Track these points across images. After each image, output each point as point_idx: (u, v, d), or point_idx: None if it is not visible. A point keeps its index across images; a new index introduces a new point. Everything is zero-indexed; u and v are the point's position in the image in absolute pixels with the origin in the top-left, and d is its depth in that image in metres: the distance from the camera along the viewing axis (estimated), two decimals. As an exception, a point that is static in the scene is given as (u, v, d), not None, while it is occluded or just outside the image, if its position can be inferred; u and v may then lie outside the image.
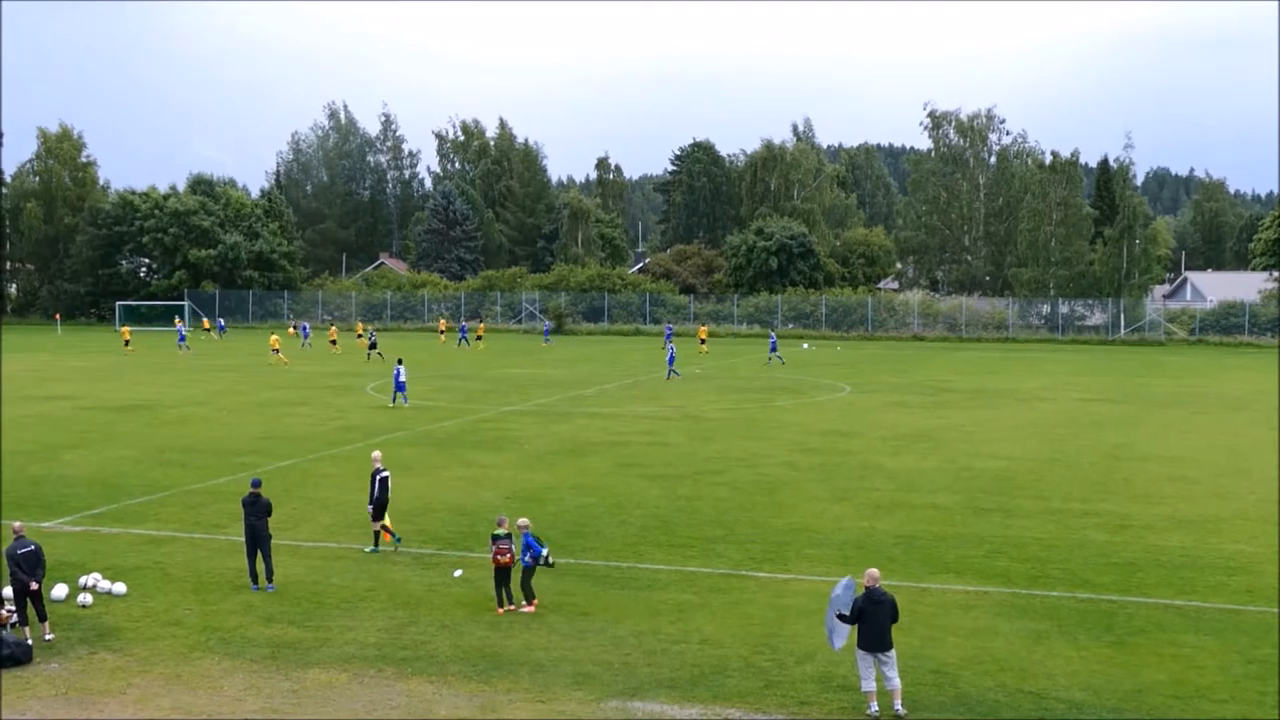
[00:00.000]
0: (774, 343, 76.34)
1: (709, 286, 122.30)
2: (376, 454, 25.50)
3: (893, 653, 16.06)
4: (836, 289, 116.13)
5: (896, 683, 15.97)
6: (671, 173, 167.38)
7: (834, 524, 27.26)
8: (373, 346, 76.66)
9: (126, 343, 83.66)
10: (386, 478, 24.69)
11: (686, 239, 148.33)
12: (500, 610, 20.29)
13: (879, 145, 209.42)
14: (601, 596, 21.34)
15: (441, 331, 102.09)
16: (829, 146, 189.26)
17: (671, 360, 63.95)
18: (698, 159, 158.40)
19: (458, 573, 22.62)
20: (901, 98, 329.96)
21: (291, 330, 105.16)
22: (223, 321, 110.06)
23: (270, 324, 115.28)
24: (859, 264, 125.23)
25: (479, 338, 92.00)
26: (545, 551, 20.65)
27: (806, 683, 17.07)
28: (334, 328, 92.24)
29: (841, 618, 16.23)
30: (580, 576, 22.57)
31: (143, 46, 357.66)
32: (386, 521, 24.81)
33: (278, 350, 73.07)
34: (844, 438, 40.98)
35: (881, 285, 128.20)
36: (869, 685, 15.94)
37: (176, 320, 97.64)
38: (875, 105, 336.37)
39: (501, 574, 20.35)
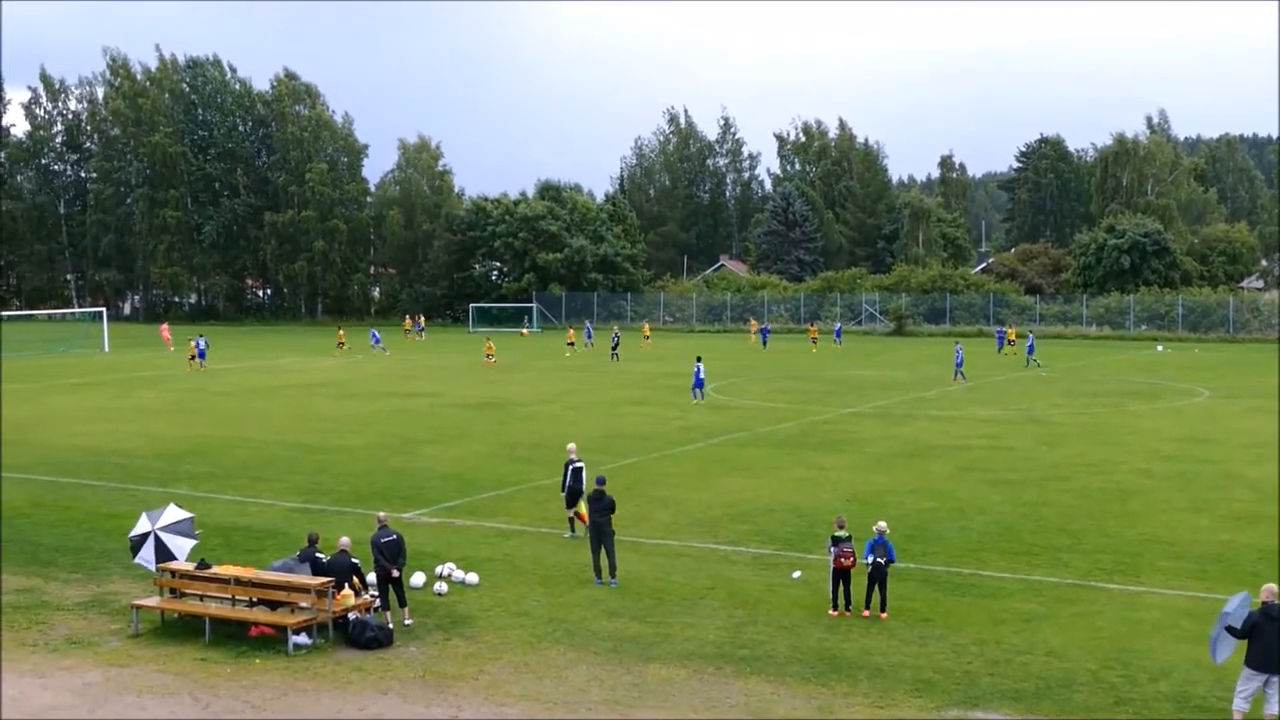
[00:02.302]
0: (1031, 344, 73.87)
1: (1056, 287, 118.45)
2: (571, 446, 27.05)
3: None
4: (1194, 289, 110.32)
5: (1277, 709, 15.00)
6: (1016, 170, 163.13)
7: (1191, 535, 25.97)
8: (615, 348, 77.68)
9: (341, 344, 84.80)
10: (580, 469, 25.86)
11: (1032, 238, 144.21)
12: (833, 613, 20.18)
13: (1241, 136, 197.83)
14: (942, 603, 20.95)
15: (753, 332, 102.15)
16: (1186, 139, 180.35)
17: (960, 363, 62.99)
18: (1044, 155, 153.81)
19: (796, 574, 22.62)
20: (1267, 84, 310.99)
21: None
22: (422, 324, 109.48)
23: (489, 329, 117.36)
24: (1219, 262, 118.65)
25: (813, 340, 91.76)
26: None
27: (1160, 701, 16.30)
28: (571, 330, 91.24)
29: (1231, 630, 15.33)
30: (920, 582, 22.23)
31: (483, 55, 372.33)
32: (581, 509, 25.44)
33: (491, 355, 73.38)
34: (1202, 445, 38.99)
35: (1244, 284, 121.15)
36: (1242, 705, 15.00)
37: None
38: (1237, 93, 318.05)
39: (841, 576, 20.24)
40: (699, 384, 51.47)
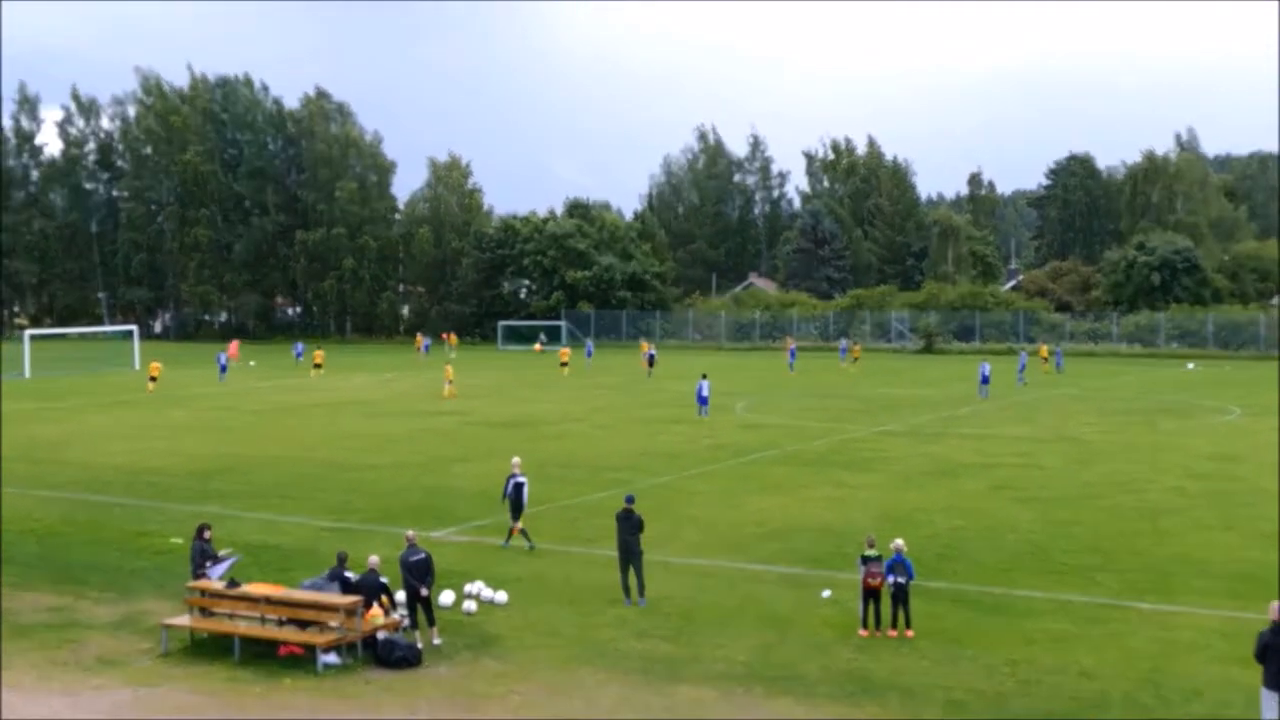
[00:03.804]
0: (1023, 362, 73.49)
1: (1086, 304, 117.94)
2: (516, 460, 27.84)
3: None
4: (1225, 306, 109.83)
5: None
6: (1046, 187, 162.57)
7: (1224, 555, 25.77)
8: (650, 364, 77.39)
9: (317, 365, 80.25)
10: (522, 484, 26.79)
11: (1062, 255, 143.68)
12: (864, 633, 20.10)
13: (1272, 153, 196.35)
14: (974, 622, 20.84)
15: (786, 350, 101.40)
16: (1215, 155, 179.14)
17: (985, 380, 62.48)
18: (1073, 172, 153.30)
19: (826, 593, 22.53)
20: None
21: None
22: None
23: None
24: (1250, 279, 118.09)
25: (855, 359, 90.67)
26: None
27: (1194, 722, 16.17)
28: (564, 350, 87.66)
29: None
30: (951, 601, 22.12)
31: (511, 72, 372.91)
32: (521, 524, 26.74)
33: (450, 382, 64.41)
34: (1234, 463, 38.72)
35: (1275, 301, 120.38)
36: (1271, 726, 14.88)
37: (230, 345, 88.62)
38: (1268, 110, 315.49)
39: (871, 596, 20.16)
40: (703, 401, 51.74)
